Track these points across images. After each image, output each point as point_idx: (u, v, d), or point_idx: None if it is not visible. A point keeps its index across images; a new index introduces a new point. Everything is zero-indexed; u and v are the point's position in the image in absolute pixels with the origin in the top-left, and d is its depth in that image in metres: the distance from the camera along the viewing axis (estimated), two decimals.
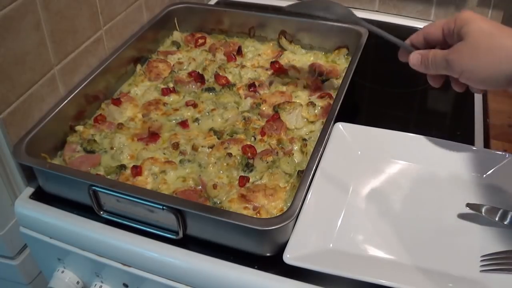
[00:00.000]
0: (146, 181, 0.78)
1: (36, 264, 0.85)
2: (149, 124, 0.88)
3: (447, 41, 0.67)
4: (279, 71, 1.00)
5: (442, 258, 0.67)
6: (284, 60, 1.04)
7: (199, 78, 0.98)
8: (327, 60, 1.04)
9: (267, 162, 0.79)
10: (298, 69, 1.01)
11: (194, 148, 0.82)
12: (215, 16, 1.12)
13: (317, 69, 1.00)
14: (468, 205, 0.71)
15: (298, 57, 1.05)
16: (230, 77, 0.99)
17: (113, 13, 0.97)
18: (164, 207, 0.68)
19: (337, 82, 0.97)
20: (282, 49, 1.08)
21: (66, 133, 0.86)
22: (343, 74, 0.93)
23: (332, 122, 0.81)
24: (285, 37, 1.07)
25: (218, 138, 0.85)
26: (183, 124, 0.88)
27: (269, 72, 1.00)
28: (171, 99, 0.95)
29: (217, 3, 1.33)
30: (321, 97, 0.93)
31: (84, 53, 0.91)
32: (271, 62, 1.02)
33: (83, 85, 0.89)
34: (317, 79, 0.97)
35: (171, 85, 0.98)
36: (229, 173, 0.79)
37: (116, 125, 0.88)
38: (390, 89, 1.03)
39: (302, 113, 0.88)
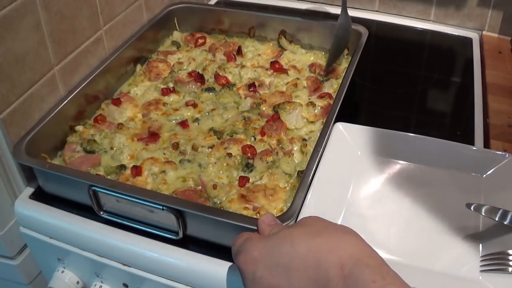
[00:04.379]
0: (146, 181, 0.78)
1: (36, 264, 0.85)
2: (149, 124, 0.88)
3: None
4: (279, 71, 1.00)
5: (442, 258, 0.67)
6: (284, 60, 1.04)
7: (199, 78, 0.98)
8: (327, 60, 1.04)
9: (267, 162, 0.79)
10: (298, 69, 1.01)
11: (194, 148, 0.82)
12: (215, 16, 1.12)
13: (317, 69, 1.00)
14: (468, 205, 0.70)
15: (298, 57, 1.05)
16: (230, 77, 0.99)
17: (113, 13, 0.97)
18: (164, 207, 0.68)
19: (337, 82, 0.96)
20: (282, 49, 1.08)
21: (66, 133, 0.86)
22: (343, 74, 0.93)
23: (332, 122, 0.81)
24: (285, 37, 1.07)
25: (218, 138, 0.85)
26: (183, 124, 0.88)
27: (269, 72, 1.00)
28: (171, 99, 0.95)
29: (217, 3, 1.33)
30: (321, 97, 0.93)
31: (84, 53, 0.91)
32: (271, 62, 1.02)
33: (83, 85, 0.89)
34: (317, 79, 0.97)
35: (171, 85, 0.97)
36: (229, 173, 0.79)
37: (116, 125, 0.88)
38: (390, 89, 1.03)
39: (302, 113, 0.88)
